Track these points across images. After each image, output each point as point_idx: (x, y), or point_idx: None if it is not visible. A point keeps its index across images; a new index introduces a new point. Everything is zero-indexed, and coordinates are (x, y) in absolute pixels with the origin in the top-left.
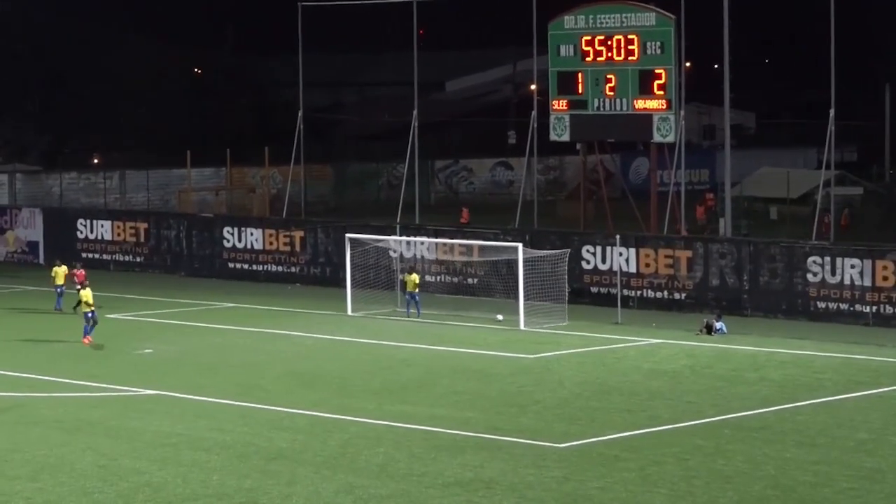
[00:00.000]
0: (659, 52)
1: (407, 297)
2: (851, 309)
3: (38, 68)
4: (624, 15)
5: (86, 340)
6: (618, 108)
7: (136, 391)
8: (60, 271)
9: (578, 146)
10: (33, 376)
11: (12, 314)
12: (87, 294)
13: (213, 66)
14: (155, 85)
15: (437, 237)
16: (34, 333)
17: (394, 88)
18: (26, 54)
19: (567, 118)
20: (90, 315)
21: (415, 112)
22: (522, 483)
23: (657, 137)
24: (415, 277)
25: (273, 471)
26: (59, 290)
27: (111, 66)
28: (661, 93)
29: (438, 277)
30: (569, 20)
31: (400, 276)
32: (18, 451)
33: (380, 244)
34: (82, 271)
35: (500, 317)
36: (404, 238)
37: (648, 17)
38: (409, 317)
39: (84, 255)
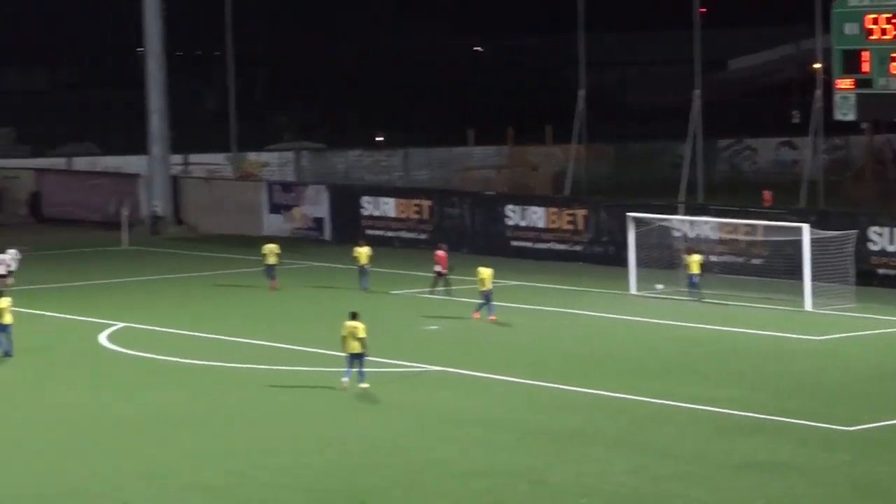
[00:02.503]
0: None
1: (688, 278)
2: None
3: (325, 47)
4: None
5: (492, 318)
6: None
7: (423, 367)
8: (363, 252)
9: (864, 126)
10: (321, 351)
11: (299, 290)
12: (487, 272)
13: (494, 43)
14: (438, 63)
15: (720, 217)
16: (320, 309)
17: (676, 67)
18: (314, 33)
19: (852, 97)
20: (488, 293)
21: (697, 91)
22: (813, 466)
23: None
24: (697, 258)
25: (561, 450)
26: (362, 269)
27: (396, 44)
28: None
29: (722, 258)
30: None
31: (683, 257)
32: (307, 424)
33: (663, 223)
34: (444, 252)
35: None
36: (688, 217)
37: None
38: (690, 298)
39: (368, 231)
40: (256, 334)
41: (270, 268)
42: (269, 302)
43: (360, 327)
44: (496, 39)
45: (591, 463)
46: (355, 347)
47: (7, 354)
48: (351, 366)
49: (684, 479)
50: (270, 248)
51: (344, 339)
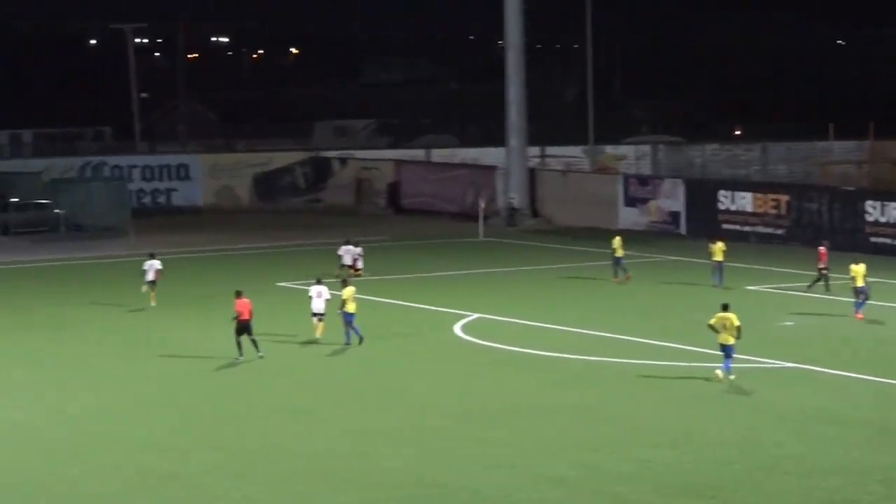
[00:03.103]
0: None
1: None
2: None
3: (685, 41)
4: None
5: (858, 315)
6: None
7: (777, 364)
8: (718, 247)
9: None
10: (673, 345)
11: (652, 284)
12: (859, 269)
13: (857, 36)
14: (798, 56)
15: None
16: (672, 304)
17: None
18: (674, 27)
19: None
20: (863, 289)
21: None
22: None
23: None
24: None
25: None
26: (717, 265)
27: (755, 38)
28: None
29: None
30: None
31: None
32: (660, 417)
33: None
34: (825, 249)
35: None
36: None
37: None
38: None
39: (724, 226)
40: (608, 327)
41: (618, 260)
42: (621, 295)
43: (732, 318)
44: (859, 32)
45: None
46: (727, 339)
47: (360, 341)
48: (726, 357)
49: None
50: (618, 241)
51: (712, 326)
